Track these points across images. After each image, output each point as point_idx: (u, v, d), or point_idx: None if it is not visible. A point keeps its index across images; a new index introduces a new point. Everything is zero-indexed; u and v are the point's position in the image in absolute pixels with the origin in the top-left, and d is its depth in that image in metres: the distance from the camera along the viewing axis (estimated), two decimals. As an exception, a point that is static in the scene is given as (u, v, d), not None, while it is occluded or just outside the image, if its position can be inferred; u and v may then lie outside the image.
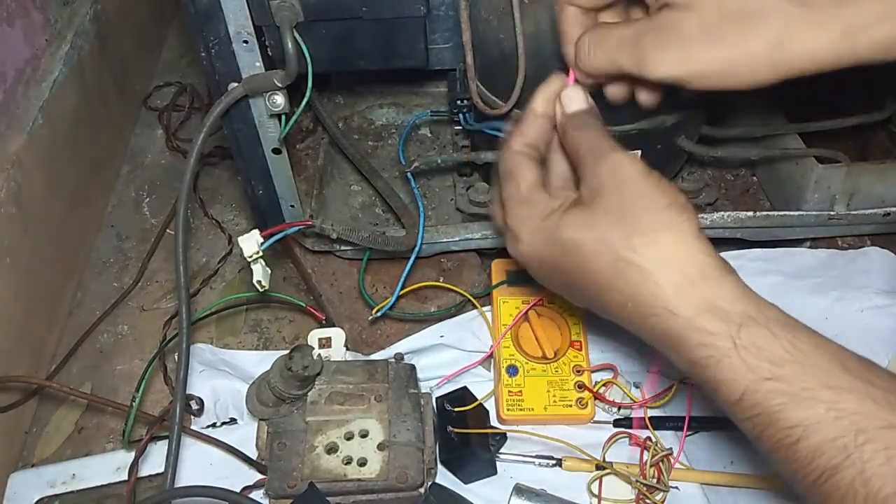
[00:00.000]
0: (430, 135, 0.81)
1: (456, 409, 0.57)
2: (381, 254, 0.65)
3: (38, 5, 0.75)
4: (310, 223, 0.61)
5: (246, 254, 0.55)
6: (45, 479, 0.58)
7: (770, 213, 0.66)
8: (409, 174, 0.65)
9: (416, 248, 0.63)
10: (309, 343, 0.60)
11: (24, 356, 0.65)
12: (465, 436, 0.55)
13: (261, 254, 0.56)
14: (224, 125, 0.58)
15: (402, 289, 0.63)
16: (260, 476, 0.55)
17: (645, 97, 0.47)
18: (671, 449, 0.55)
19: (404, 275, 0.62)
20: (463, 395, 0.59)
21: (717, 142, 0.70)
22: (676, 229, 0.41)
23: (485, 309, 0.65)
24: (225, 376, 0.64)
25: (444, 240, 0.67)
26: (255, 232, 0.55)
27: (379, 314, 0.62)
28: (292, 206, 0.65)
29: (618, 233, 0.40)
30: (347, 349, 0.61)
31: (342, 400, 0.54)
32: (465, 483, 0.56)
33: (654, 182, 0.41)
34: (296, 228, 0.60)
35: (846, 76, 0.38)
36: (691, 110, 0.61)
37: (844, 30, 0.36)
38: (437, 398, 0.58)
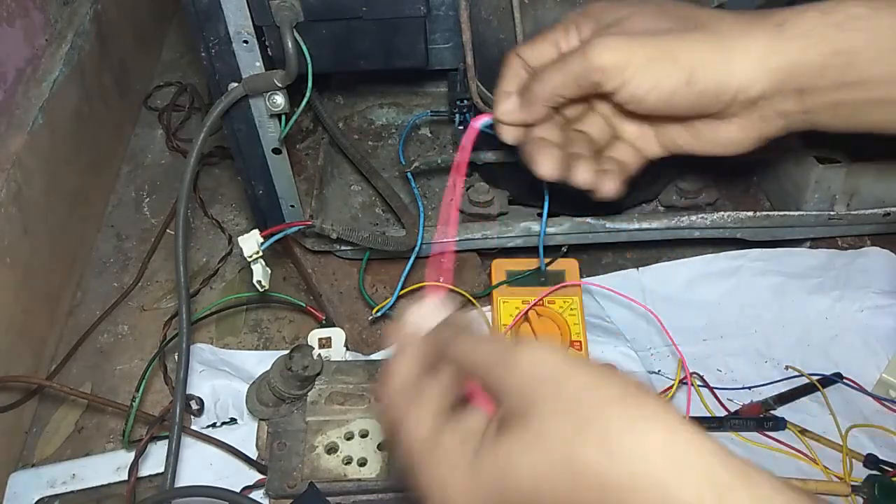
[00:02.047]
0: (430, 135, 0.81)
1: None
2: (381, 254, 0.65)
3: (38, 5, 0.75)
4: (309, 223, 0.61)
5: (246, 254, 0.55)
6: (45, 479, 0.58)
7: (770, 213, 0.67)
8: (409, 174, 0.65)
9: (416, 249, 0.63)
10: (309, 343, 0.60)
11: (24, 356, 0.65)
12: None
13: (261, 254, 0.56)
14: (224, 125, 0.58)
15: (402, 289, 0.63)
16: (260, 476, 0.55)
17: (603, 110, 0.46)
18: (671, 449, 0.55)
19: (404, 275, 0.62)
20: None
21: (717, 142, 0.70)
22: (658, 418, 0.27)
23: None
24: (225, 376, 0.64)
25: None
26: (255, 232, 0.55)
27: (379, 314, 0.62)
28: (292, 206, 0.65)
29: (588, 441, 0.27)
30: (347, 349, 0.61)
31: (342, 400, 0.54)
32: None
33: (589, 367, 0.29)
34: (296, 228, 0.60)
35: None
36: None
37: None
38: None
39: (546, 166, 0.43)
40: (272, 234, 0.56)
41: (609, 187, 0.45)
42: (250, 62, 0.52)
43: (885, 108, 0.37)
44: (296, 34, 0.50)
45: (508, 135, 0.45)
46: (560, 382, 0.28)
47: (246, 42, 0.51)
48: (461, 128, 0.74)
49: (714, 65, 0.37)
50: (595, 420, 0.27)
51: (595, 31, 0.41)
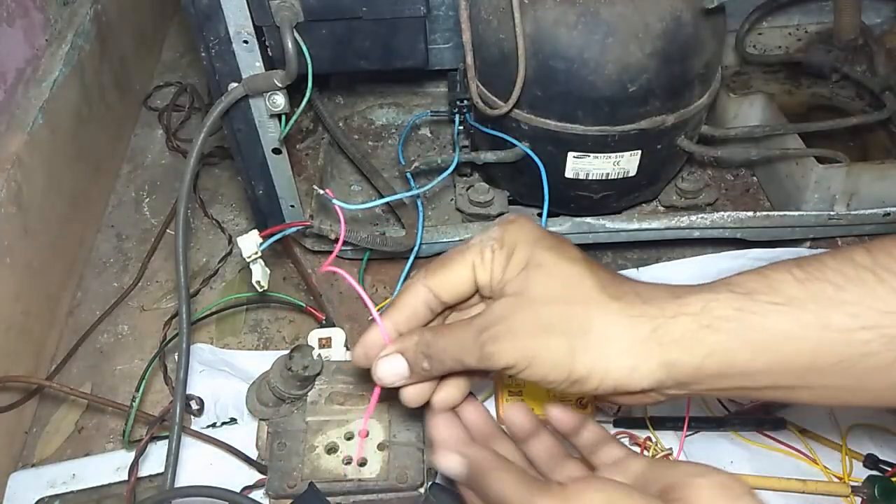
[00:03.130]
0: (430, 135, 0.81)
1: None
2: (380, 254, 0.65)
3: (38, 5, 0.75)
4: (308, 224, 0.61)
5: (245, 254, 0.55)
6: (45, 479, 0.58)
7: (770, 213, 0.67)
8: (408, 174, 0.65)
9: (416, 249, 0.63)
10: (309, 343, 0.60)
11: (24, 356, 0.65)
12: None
13: (260, 254, 0.56)
14: (224, 125, 0.58)
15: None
16: (260, 476, 0.55)
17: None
18: (671, 449, 0.55)
19: (403, 275, 0.62)
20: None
21: (717, 142, 0.70)
22: None
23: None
24: (225, 376, 0.64)
25: (444, 240, 0.67)
26: (255, 232, 0.55)
27: (380, 313, 0.62)
28: (292, 206, 0.65)
29: None
30: (347, 349, 0.61)
31: (342, 400, 0.54)
32: None
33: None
34: (295, 229, 0.60)
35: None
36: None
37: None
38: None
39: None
40: (271, 235, 0.56)
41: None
42: (250, 62, 0.52)
43: (778, 392, 0.38)
44: (296, 34, 0.50)
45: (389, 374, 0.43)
46: None
47: (246, 42, 0.51)
48: (461, 128, 0.74)
49: (595, 366, 0.38)
50: None
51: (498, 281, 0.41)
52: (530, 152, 0.61)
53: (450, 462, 0.39)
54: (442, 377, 0.43)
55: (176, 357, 0.57)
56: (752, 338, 0.36)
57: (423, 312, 0.43)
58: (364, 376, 0.55)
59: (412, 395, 0.43)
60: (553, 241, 0.41)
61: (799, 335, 0.36)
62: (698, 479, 0.34)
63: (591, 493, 0.35)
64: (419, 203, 0.64)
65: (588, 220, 0.66)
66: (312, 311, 0.64)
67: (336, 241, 0.63)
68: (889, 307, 0.34)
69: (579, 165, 0.62)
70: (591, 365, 0.38)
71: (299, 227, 0.61)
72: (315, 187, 0.58)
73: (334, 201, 0.51)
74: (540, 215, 0.64)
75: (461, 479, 0.39)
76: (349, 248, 0.68)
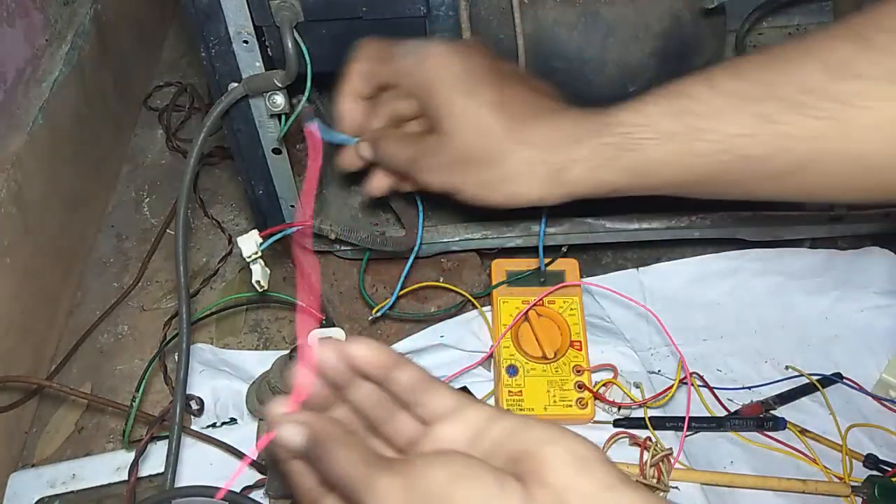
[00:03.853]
0: (430, 135, 0.80)
1: None
2: (381, 254, 0.65)
3: (38, 5, 0.75)
4: (308, 223, 0.61)
5: (245, 254, 0.55)
6: (45, 479, 0.58)
7: (770, 213, 0.67)
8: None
9: (416, 249, 0.63)
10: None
11: (24, 356, 0.65)
12: None
13: (259, 254, 0.56)
14: (224, 125, 0.58)
15: (401, 289, 0.63)
16: (260, 476, 0.55)
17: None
18: (671, 449, 0.55)
19: (403, 275, 0.62)
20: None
21: (717, 142, 0.70)
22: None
23: (485, 309, 0.65)
24: (225, 376, 0.64)
25: (444, 240, 0.67)
26: (254, 232, 0.55)
27: (379, 314, 0.62)
28: (292, 206, 0.65)
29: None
30: (347, 349, 0.61)
31: (342, 400, 0.54)
32: None
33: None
34: (294, 229, 0.60)
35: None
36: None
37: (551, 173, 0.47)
38: None
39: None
40: (271, 235, 0.56)
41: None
42: (250, 62, 0.52)
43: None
44: (296, 34, 0.50)
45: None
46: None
47: (246, 42, 0.51)
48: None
49: (508, 204, 0.49)
50: None
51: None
52: (530, 152, 0.61)
53: (291, 433, 0.34)
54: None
55: (176, 357, 0.57)
56: (632, 169, 0.45)
57: (366, 89, 0.53)
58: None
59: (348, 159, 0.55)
60: (468, 82, 0.48)
61: (669, 162, 0.44)
62: (550, 448, 0.32)
63: (436, 469, 0.32)
64: (419, 203, 0.64)
65: (588, 220, 0.66)
66: (312, 311, 0.64)
67: (336, 241, 0.63)
68: (742, 130, 0.41)
69: (579, 165, 0.62)
70: (504, 195, 0.48)
71: (299, 227, 0.61)
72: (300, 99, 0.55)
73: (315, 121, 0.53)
74: (540, 215, 0.64)
75: (298, 454, 0.35)
76: (349, 248, 0.68)
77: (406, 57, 0.50)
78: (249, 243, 0.55)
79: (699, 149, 0.43)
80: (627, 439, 0.58)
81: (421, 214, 0.63)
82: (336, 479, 0.33)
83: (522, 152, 0.47)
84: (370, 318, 0.64)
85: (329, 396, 0.37)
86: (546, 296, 0.63)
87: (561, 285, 0.64)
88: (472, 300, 0.65)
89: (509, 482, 0.31)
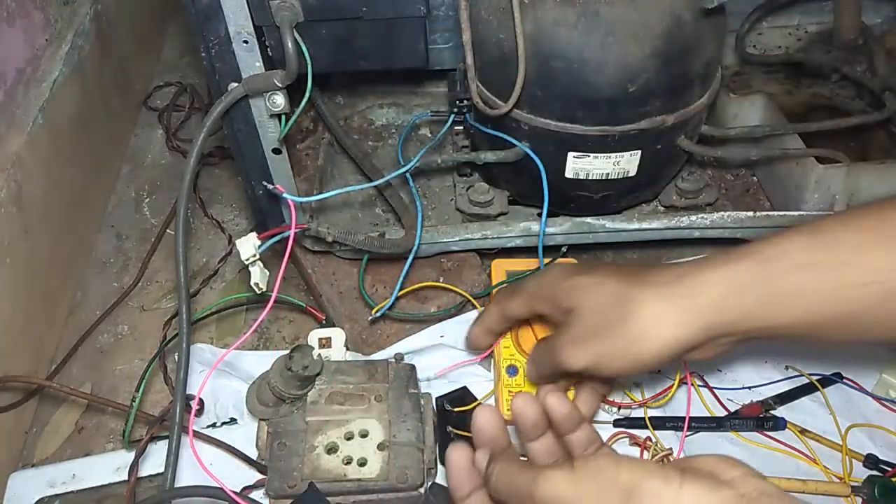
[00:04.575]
0: (430, 135, 0.81)
1: (456, 410, 0.57)
2: (380, 254, 0.65)
3: (38, 5, 0.75)
4: (305, 226, 0.61)
5: (243, 256, 0.55)
6: (45, 479, 0.58)
7: (770, 213, 0.66)
8: (408, 175, 0.65)
9: (414, 250, 0.63)
10: (309, 343, 0.60)
11: (24, 356, 0.65)
12: (466, 437, 0.55)
13: (258, 256, 0.56)
14: (224, 125, 0.58)
15: (401, 289, 0.63)
16: (260, 476, 0.55)
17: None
18: (671, 449, 0.55)
19: (402, 276, 0.62)
20: (463, 395, 0.59)
21: (717, 142, 0.70)
22: None
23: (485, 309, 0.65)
24: (225, 376, 0.64)
25: (444, 240, 0.67)
26: (253, 235, 0.56)
27: (378, 314, 0.62)
28: (294, 206, 0.65)
29: None
30: (347, 349, 0.61)
31: (342, 400, 0.54)
32: None
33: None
34: (292, 231, 0.60)
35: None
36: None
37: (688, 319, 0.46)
38: (436, 398, 0.58)
39: None
40: (269, 237, 0.56)
41: None
42: (250, 62, 0.52)
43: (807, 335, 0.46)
44: (296, 34, 0.50)
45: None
46: None
47: (246, 42, 0.51)
48: (460, 127, 0.74)
49: (650, 349, 0.46)
50: None
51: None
52: (530, 152, 0.61)
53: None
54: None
55: (176, 357, 0.57)
56: (773, 297, 0.44)
57: (501, 325, 0.57)
58: (364, 376, 0.55)
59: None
60: (588, 269, 0.51)
61: (813, 290, 0.43)
62: (701, 457, 0.37)
63: (598, 459, 0.37)
64: (418, 203, 0.64)
65: (588, 220, 0.66)
66: (312, 311, 0.64)
67: (333, 242, 0.63)
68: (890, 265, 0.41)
69: (579, 165, 0.62)
70: (645, 348, 0.46)
71: (297, 230, 0.61)
72: (264, 182, 0.59)
73: (285, 195, 0.55)
74: (540, 215, 0.64)
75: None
76: (348, 248, 0.68)
77: (531, 281, 0.54)
78: (248, 246, 0.55)
79: (846, 278, 0.42)
80: (627, 439, 0.58)
81: (419, 216, 0.63)
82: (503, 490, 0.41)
83: (651, 294, 0.46)
84: (370, 318, 0.64)
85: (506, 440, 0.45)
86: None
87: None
88: (472, 300, 0.65)
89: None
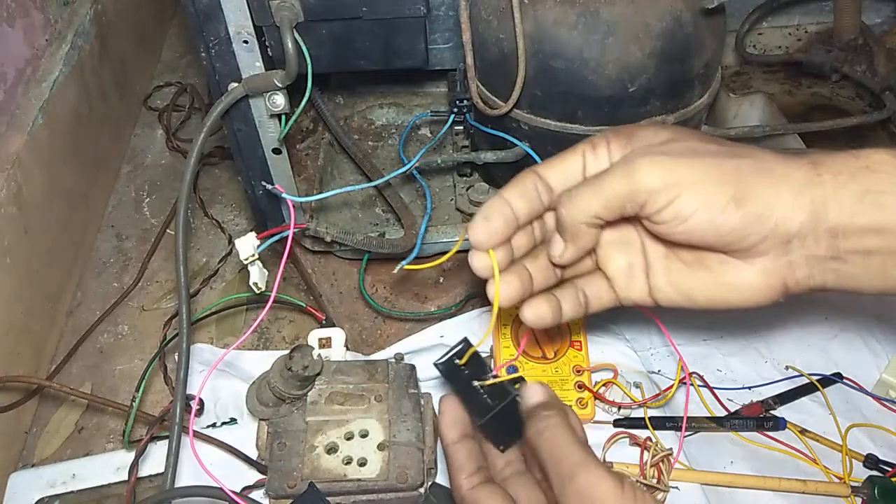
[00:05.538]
0: (430, 135, 0.81)
1: (464, 363, 0.48)
2: (380, 254, 0.65)
3: (38, 5, 0.75)
4: (304, 226, 0.61)
5: (242, 257, 0.55)
6: (45, 479, 0.58)
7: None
8: (415, 171, 0.65)
9: (414, 252, 0.62)
10: (309, 343, 0.60)
11: (24, 356, 0.65)
12: (497, 386, 0.46)
13: (257, 256, 0.56)
14: (224, 125, 0.58)
15: (400, 289, 0.62)
16: (260, 476, 0.55)
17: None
18: (671, 449, 0.55)
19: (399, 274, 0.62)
20: (465, 347, 0.49)
21: (717, 142, 0.70)
22: None
23: (485, 309, 0.65)
24: (225, 376, 0.64)
25: (444, 240, 0.67)
26: (252, 234, 0.56)
27: (405, 263, 0.58)
28: (293, 206, 0.65)
29: None
30: (347, 349, 0.61)
31: (342, 400, 0.54)
32: (505, 449, 0.47)
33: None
34: (291, 231, 0.60)
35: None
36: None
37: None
38: (439, 364, 0.48)
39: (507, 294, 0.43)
40: (268, 237, 0.56)
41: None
42: (250, 62, 0.52)
43: None
44: (296, 34, 0.50)
45: (479, 261, 0.43)
46: None
47: (246, 42, 0.51)
48: (460, 128, 0.74)
49: (760, 188, 0.37)
50: None
51: (631, 151, 0.40)
52: (531, 152, 0.61)
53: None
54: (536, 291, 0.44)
55: (176, 357, 0.57)
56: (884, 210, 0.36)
57: (535, 195, 0.43)
58: (364, 376, 0.55)
59: (506, 293, 0.43)
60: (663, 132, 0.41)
61: None
62: None
63: (647, 498, 0.37)
64: (428, 200, 0.64)
65: (588, 220, 0.66)
66: (312, 311, 0.64)
67: (333, 242, 0.63)
68: None
69: (579, 165, 0.62)
70: (750, 191, 0.37)
71: (296, 229, 0.61)
72: (264, 182, 0.58)
73: (284, 195, 0.53)
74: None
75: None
76: (348, 248, 0.68)
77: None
78: (247, 245, 0.55)
79: None
80: (627, 439, 0.58)
81: (428, 213, 0.63)
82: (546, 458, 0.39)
83: (770, 152, 0.39)
84: (396, 269, 0.60)
85: None
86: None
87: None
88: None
89: None
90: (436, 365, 0.47)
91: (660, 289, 0.44)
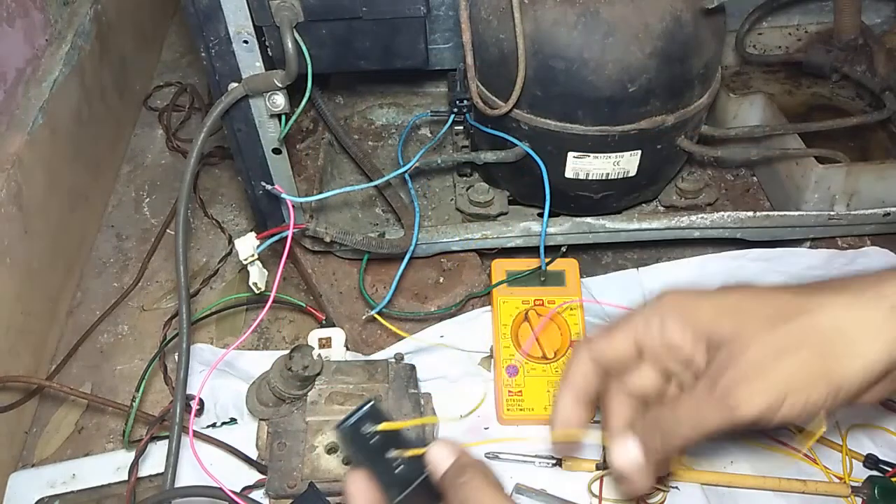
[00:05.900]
0: (430, 135, 0.81)
1: (378, 430, 0.40)
2: (380, 254, 0.65)
3: (38, 5, 0.75)
4: (304, 226, 0.61)
5: (241, 257, 0.55)
6: (45, 479, 0.58)
7: (770, 213, 0.66)
8: (406, 175, 0.65)
9: (410, 250, 0.62)
10: (309, 343, 0.60)
11: (24, 356, 0.65)
12: (417, 457, 0.39)
13: (257, 256, 0.56)
14: (224, 125, 0.58)
15: (401, 288, 0.63)
16: (260, 476, 0.55)
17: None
18: (671, 449, 0.55)
19: (398, 276, 0.62)
20: (375, 411, 0.41)
21: (717, 142, 0.70)
22: None
23: (485, 309, 0.65)
24: (225, 376, 0.64)
25: (444, 240, 0.67)
26: (251, 235, 0.56)
27: (373, 312, 0.62)
28: (292, 207, 0.65)
29: None
30: (347, 349, 0.61)
31: (342, 400, 0.54)
32: None
33: None
34: (290, 231, 0.60)
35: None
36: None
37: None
38: (342, 428, 0.40)
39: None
40: (268, 237, 0.56)
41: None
42: (250, 62, 0.52)
43: None
44: (296, 34, 0.50)
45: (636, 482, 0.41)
46: None
47: (246, 42, 0.51)
48: (460, 128, 0.74)
49: (853, 370, 0.36)
50: None
51: (715, 366, 0.38)
52: (531, 152, 0.61)
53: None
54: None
55: (176, 357, 0.57)
56: None
57: (594, 379, 0.42)
58: (364, 376, 0.55)
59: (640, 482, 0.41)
60: (715, 291, 0.40)
61: None
62: None
63: None
64: (416, 204, 0.64)
65: (588, 220, 0.66)
66: (312, 311, 0.64)
67: (332, 242, 0.63)
68: None
69: (579, 165, 0.62)
70: (850, 364, 0.36)
71: (295, 230, 0.61)
72: (263, 183, 0.58)
73: (283, 195, 0.54)
74: (540, 215, 0.64)
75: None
76: (347, 248, 0.68)
77: (636, 317, 0.42)
78: (246, 246, 0.55)
79: None
80: (627, 439, 0.57)
81: (417, 216, 0.63)
82: None
83: (839, 298, 0.37)
84: (364, 317, 0.63)
85: None
86: (556, 308, 0.63)
87: (563, 302, 0.64)
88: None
89: None
90: (338, 429, 0.40)
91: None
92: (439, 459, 0.37)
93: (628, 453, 0.40)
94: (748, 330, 0.38)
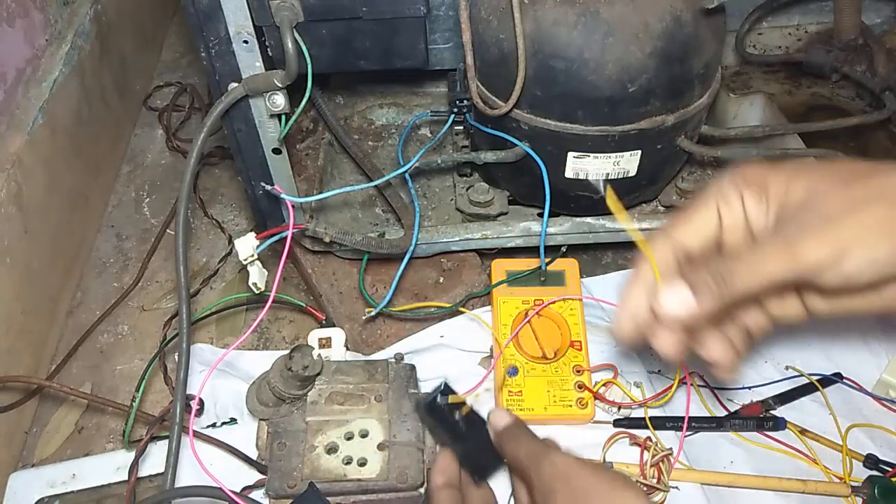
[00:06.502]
0: (430, 135, 0.81)
1: (450, 402, 0.52)
2: (380, 254, 0.65)
3: (38, 5, 0.75)
4: (303, 226, 0.61)
5: (241, 257, 0.55)
6: (45, 479, 0.58)
7: (770, 213, 0.66)
8: (406, 175, 0.65)
9: (410, 250, 0.62)
10: (309, 343, 0.60)
11: (24, 356, 0.65)
12: (472, 418, 0.52)
13: (256, 256, 0.56)
14: (224, 125, 0.58)
15: (402, 289, 0.63)
16: (260, 476, 0.55)
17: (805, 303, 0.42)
18: (671, 449, 0.55)
19: (397, 277, 0.62)
20: (446, 388, 0.53)
21: (717, 142, 0.70)
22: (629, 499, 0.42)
23: (485, 309, 0.65)
24: (225, 376, 0.64)
25: (444, 240, 0.67)
26: (251, 235, 0.56)
27: (373, 314, 0.62)
28: (292, 207, 0.65)
29: None
30: (347, 349, 0.61)
31: (342, 400, 0.54)
32: (481, 482, 0.50)
33: (593, 470, 0.44)
34: (289, 231, 0.60)
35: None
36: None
37: None
38: (422, 402, 0.53)
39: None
40: (268, 237, 0.56)
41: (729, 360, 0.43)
42: (250, 62, 0.52)
43: None
44: (296, 34, 0.50)
45: (670, 345, 0.42)
46: (570, 479, 0.43)
47: (246, 42, 0.51)
48: (460, 128, 0.74)
49: None
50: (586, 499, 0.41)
51: (783, 217, 0.38)
52: (531, 152, 0.61)
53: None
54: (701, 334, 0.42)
55: (176, 357, 0.57)
56: None
57: (674, 266, 0.41)
58: (364, 376, 0.55)
59: (672, 343, 0.41)
60: (787, 163, 0.40)
61: None
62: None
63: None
64: (416, 204, 0.64)
65: (588, 220, 0.66)
66: (312, 311, 0.64)
67: (332, 242, 0.63)
68: None
69: (579, 165, 0.62)
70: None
71: (295, 230, 0.61)
72: (262, 183, 0.58)
73: (283, 195, 0.54)
74: (540, 215, 0.64)
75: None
76: (347, 248, 0.68)
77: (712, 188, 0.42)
78: (246, 246, 0.55)
79: None
80: (627, 439, 0.57)
81: (417, 216, 0.63)
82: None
83: None
84: (364, 317, 0.63)
85: None
86: (551, 302, 0.63)
87: (561, 297, 0.64)
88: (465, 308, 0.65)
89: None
90: (424, 405, 0.52)
91: (818, 311, 0.42)
92: (499, 419, 0.50)
93: (680, 296, 0.38)
94: (822, 188, 0.37)
